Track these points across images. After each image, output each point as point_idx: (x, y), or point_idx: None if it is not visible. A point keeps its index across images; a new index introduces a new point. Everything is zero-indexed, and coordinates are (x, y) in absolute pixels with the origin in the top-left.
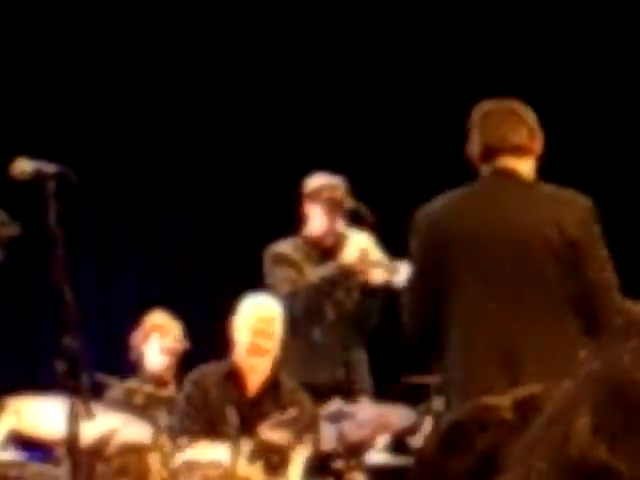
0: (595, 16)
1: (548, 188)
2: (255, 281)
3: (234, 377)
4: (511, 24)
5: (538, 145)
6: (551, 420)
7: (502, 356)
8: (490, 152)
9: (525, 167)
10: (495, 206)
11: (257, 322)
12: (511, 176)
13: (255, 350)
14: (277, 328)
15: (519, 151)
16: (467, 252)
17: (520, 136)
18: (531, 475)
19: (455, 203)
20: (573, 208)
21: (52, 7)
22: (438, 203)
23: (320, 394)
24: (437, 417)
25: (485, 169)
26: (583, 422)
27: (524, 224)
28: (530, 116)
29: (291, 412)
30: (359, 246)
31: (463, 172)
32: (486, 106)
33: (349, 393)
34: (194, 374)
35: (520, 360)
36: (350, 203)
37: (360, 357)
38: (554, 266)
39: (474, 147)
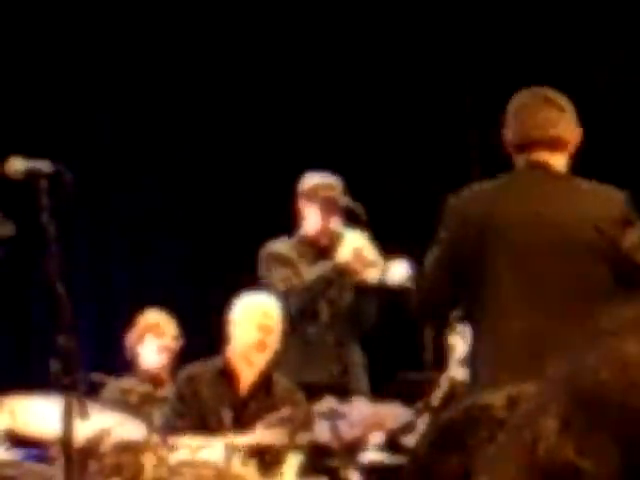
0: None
1: (583, 182)
2: (248, 279)
3: (227, 375)
4: (510, 23)
5: (575, 139)
6: (520, 423)
7: (530, 349)
8: (526, 143)
9: (560, 161)
10: (531, 198)
11: (262, 318)
12: (546, 169)
13: (261, 346)
14: (278, 325)
15: (555, 144)
16: (501, 242)
17: (558, 129)
18: (502, 478)
19: (490, 193)
20: (608, 202)
21: (47, 5)
22: (472, 191)
23: (315, 393)
24: (432, 415)
25: (520, 160)
26: (550, 423)
27: (560, 217)
28: (570, 108)
29: (285, 411)
30: (353, 245)
31: (461, 172)
32: (525, 95)
33: (344, 392)
34: (185, 372)
35: (548, 355)
36: (345, 202)
37: (356, 356)
38: (590, 260)
39: (510, 136)
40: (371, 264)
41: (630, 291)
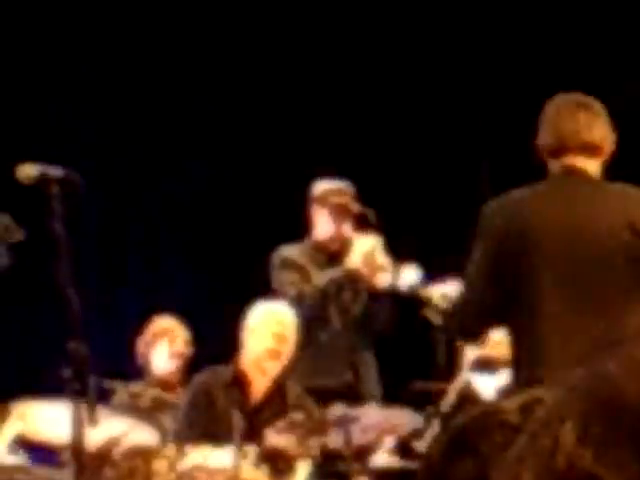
0: None
1: (618, 187)
2: (262, 285)
3: (239, 382)
4: (517, 26)
5: (609, 145)
6: (538, 430)
7: (572, 357)
8: (560, 148)
9: (593, 166)
10: (568, 205)
11: (277, 327)
12: (581, 175)
13: (275, 354)
14: (292, 333)
15: (590, 150)
16: (539, 249)
17: (592, 134)
18: None
19: (527, 200)
20: None
21: (55, 10)
22: (509, 199)
23: (327, 398)
24: (444, 420)
25: (554, 165)
26: (570, 432)
27: (597, 224)
28: (605, 115)
29: (296, 416)
30: (364, 251)
31: (470, 178)
32: (560, 100)
33: (356, 397)
34: (198, 378)
35: (585, 358)
36: (356, 207)
37: (368, 361)
38: (627, 266)
39: (544, 141)
40: (381, 269)
41: None
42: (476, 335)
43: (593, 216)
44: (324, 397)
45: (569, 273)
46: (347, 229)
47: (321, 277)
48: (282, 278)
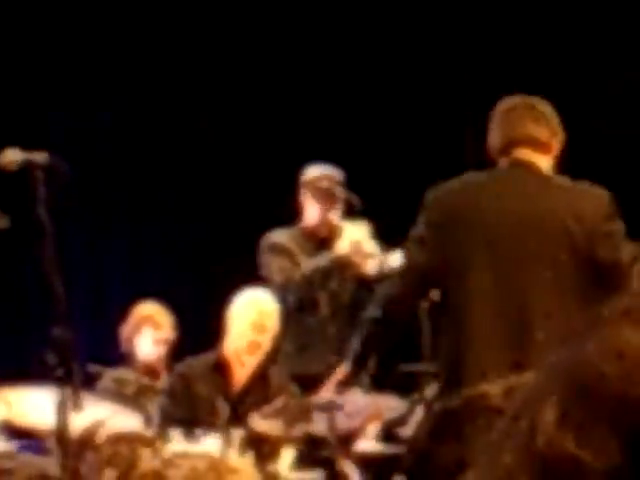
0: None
1: (566, 180)
2: (246, 271)
3: (222, 368)
4: (509, 23)
5: (558, 144)
6: (518, 413)
7: (508, 340)
8: (509, 145)
9: (543, 163)
10: (512, 192)
11: (257, 316)
12: (529, 167)
13: (254, 347)
14: (274, 323)
15: (538, 146)
16: (481, 234)
17: (541, 132)
18: (499, 469)
19: (472, 186)
20: (591, 198)
21: (43, 5)
22: (454, 184)
23: (315, 384)
24: (429, 405)
25: (503, 161)
26: (550, 414)
27: (541, 211)
28: (553, 114)
29: (280, 402)
30: (352, 238)
31: (457, 164)
32: (509, 101)
33: (344, 383)
34: (180, 367)
35: (525, 345)
36: (342, 193)
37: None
38: (569, 254)
39: (494, 140)
40: (370, 256)
41: (607, 290)
42: (403, 313)
43: (536, 206)
44: (311, 383)
45: (511, 258)
46: (335, 215)
47: (308, 264)
48: (271, 264)
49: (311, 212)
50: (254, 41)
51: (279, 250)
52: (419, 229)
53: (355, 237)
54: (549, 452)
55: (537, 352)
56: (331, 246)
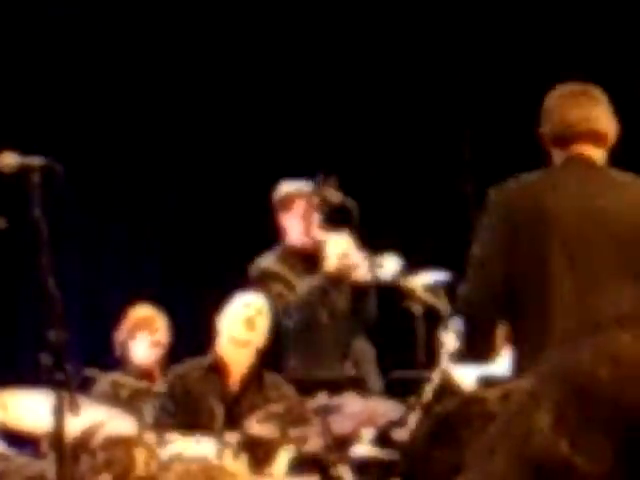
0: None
1: (622, 173)
2: (241, 275)
3: (217, 370)
4: (505, 25)
5: (613, 133)
6: (512, 417)
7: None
8: (568, 137)
9: (599, 155)
10: (580, 192)
11: (245, 313)
12: (588, 162)
13: (242, 342)
14: (261, 321)
15: (596, 138)
16: (554, 238)
17: (599, 123)
18: (492, 472)
19: (537, 186)
20: None
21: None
22: (517, 185)
23: (317, 390)
24: (424, 410)
25: (560, 154)
26: (544, 418)
27: (609, 209)
28: (607, 103)
29: (277, 406)
30: (337, 251)
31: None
32: (562, 89)
33: (357, 387)
34: (176, 369)
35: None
36: (336, 198)
37: (362, 351)
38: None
39: (550, 130)
40: (359, 265)
41: None
42: (491, 324)
43: (605, 202)
44: (314, 388)
45: (583, 257)
46: (316, 230)
47: (303, 286)
48: (268, 290)
49: (292, 231)
50: (247, 50)
51: (270, 276)
52: (486, 236)
53: (340, 249)
54: (543, 456)
55: None
56: (318, 262)
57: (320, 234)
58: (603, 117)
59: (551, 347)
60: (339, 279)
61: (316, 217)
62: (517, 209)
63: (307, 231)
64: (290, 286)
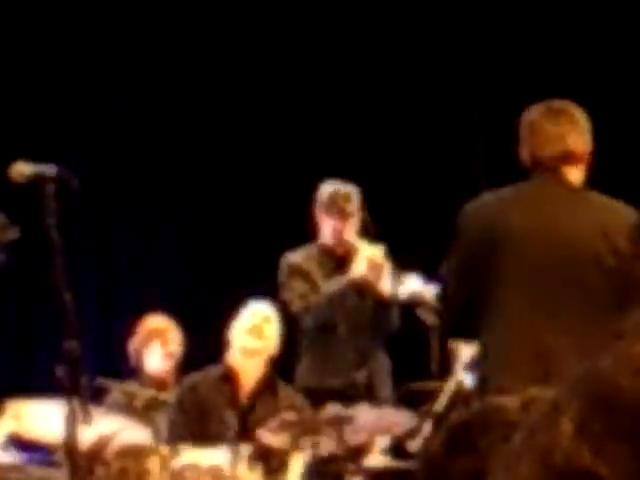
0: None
1: (596, 196)
2: (255, 284)
3: (229, 379)
4: (518, 32)
5: (589, 151)
6: (535, 427)
7: (533, 356)
8: (539, 160)
9: (574, 174)
10: (543, 209)
11: (253, 322)
12: (560, 181)
13: (250, 351)
14: (269, 329)
15: (570, 159)
16: (513, 252)
17: (569, 142)
18: None
19: (503, 203)
20: (620, 217)
21: (52, 8)
22: (486, 201)
23: (330, 399)
24: (437, 420)
25: (535, 175)
26: (567, 428)
27: (571, 229)
28: (582, 118)
29: (289, 416)
30: (368, 258)
31: (472, 183)
32: (535, 110)
33: (370, 398)
34: (188, 380)
35: (551, 361)
36: (356, 210)
37: (379, 362)
38: (597, 273)
39: (524, 154)
40: (385, 275)
41: (624, 305)
42: (462, 332)
43: (568, 222)
44: (327, 397)
45: (539, 276)
46: (350, 234)
47: (327, 287)
48: (290, 288)
49: (326, 230)
50: (272, 57)
51: (297, 272)
52: (456, 251)
53: (371, 256)
54: (566, 465)
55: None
56: (348, 264)
57: (353, 238)
58: (574, 136)
59: (511, 365)
60: (362, 286)
61: (355, 222)
62: (482, 226)
63: (339, 233)
64: (315, 287)
